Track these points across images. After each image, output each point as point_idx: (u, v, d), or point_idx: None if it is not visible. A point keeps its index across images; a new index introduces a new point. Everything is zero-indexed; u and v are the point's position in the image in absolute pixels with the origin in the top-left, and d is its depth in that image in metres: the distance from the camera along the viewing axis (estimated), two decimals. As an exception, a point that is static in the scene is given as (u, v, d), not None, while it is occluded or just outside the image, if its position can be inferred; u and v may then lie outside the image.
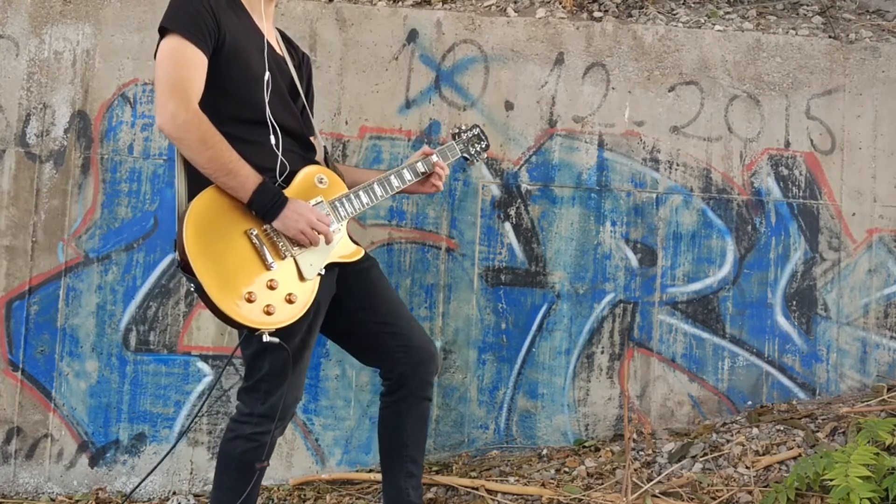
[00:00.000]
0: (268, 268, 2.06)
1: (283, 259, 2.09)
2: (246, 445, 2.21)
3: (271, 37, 2.30)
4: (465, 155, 2.59)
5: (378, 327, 2.33)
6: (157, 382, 3.26)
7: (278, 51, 2.30)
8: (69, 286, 3.25)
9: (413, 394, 2.36)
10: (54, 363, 3.24)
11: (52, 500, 3.17)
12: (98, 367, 3.25)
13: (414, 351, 2.34)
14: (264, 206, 2.06)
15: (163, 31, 2.08)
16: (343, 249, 2.24)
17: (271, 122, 2.18)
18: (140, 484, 2.81)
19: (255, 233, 2.07)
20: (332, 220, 2.19)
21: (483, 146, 2.63)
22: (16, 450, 3.21)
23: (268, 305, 2.02)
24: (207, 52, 2.07)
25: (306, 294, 2.11)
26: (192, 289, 2.02)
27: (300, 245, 2.12)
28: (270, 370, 2.17)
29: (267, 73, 2.18)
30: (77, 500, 3.16)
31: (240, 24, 2.18)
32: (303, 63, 2.44)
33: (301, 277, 2.11)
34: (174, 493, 3.22)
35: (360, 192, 2.30)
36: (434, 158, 2.45)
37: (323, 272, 2.15)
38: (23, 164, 3.27)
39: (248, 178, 2.04)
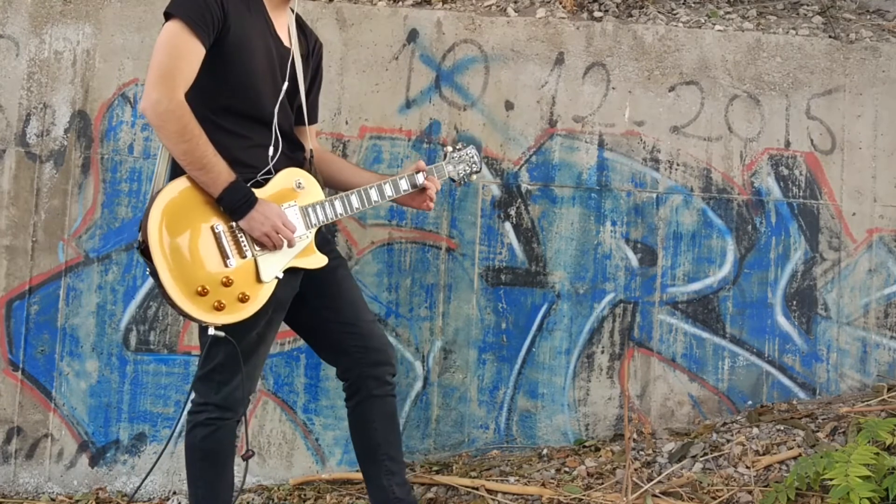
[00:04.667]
0: (226, 265, 2.07)
1: (243, 258, 2.10)
2: (204, 431, 2.22)
3: (283, 28, 2.29)
4: (453, 177, 2.53)
5: (339, 327, 2.34)
6: (157, 382, 3.26)
7: (286, 44, 2.29)
8: (69, 286, 3.25)
9: (373, 394, 2.35)
10: (54, 363, 3.24)
11: (53, 499, 3.17)
12: (98, 366, 3.25)
13: (372, 353, 2.34)
14: (233, 204, 2.07)
15: (167, 16, 2.08)
16: (307, 257, 2.23)
17: (275, 130, 2.21)
18: (140, 486, 2.81)
19: (220, 228, 2.08)
20: (300, 227, 2.19)
21: (474, 170, 2.56)
22: (16, 450, 3.21)
23: (218, 301, 2.04)
24: (207, 42, 2.07)
25: (260, 295, 2.11)
26: (148, 272, 2.04)
27: (263, 247, 2.13)
28: (223, 361, 2.17)
29: (286, 83, 2.21)
30: (77, 500, 3.16)
31: (251, 18, 2.18)
32: (312, 52, 2.42)
33: (258, 279, 2.12)
34: (174, 493, 3.22)
35: (336, 202, 2.29)
36: (420, 179, 2.41)
37: (281, 276, 2.16)
38: (23, 164, 3.27)
39: (220, 175, 2.05)
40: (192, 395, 2.27)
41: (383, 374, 2.37)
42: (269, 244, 2.12)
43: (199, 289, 2.02)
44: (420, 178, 2.41)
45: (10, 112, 3.28)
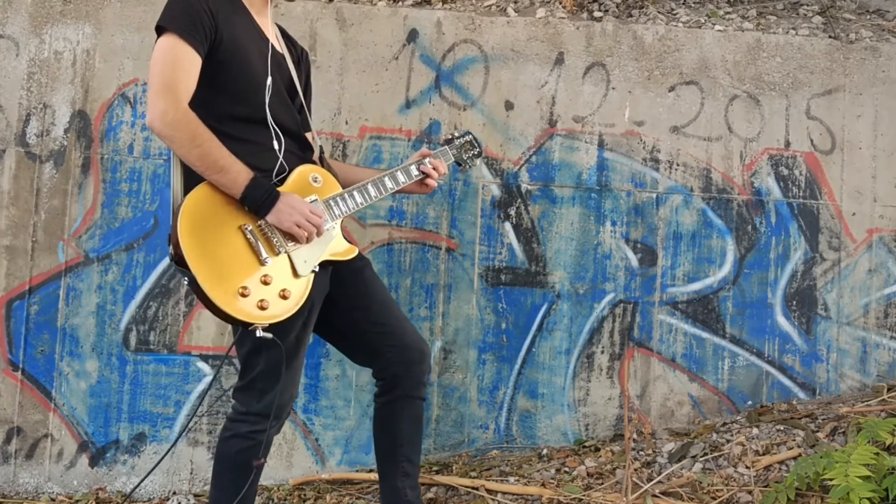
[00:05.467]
0: (262, 263, 2.06)
1: (277, 255, 2.09)
2: (242, 444, 2.21)
3: (271, 35, 2.30)
4: (458, 161, 2.60)
5: (371, 327, 2.34)
6: (157, 382, 3.26)
7: (278, 49, 2.30)
8: (69, 286, 3.25)
9: (407, 394, 2.36)
10: (54, 363, 3.24)
11: (52, 500, 3.17)
12: (98, 366, 3.25)
13: (407, 350, 2.35)
14: (257, 200, 2.06)
15: (159, 30, 2.09)
16: (337, 247, 2.24)
17: (272, 125, 2.19)
18: (139, 484, 2.81)
19: (249, 228, 2.07)
20: (326, 218, 2.19)
21: (476, 153, 2.64)
22: (16, 450, 3.21)
23: (262, 300, 2.03)
24: (202, 51, 2.08)
25: (300, 290, 2.11)
26: (186, 283, 2.03)
27: (294, 241, 2.12)
28: (265, 368, 2.17)
29: (269, 78, 2.20)
30: (77, 500, 3.16)
31: (239, 22, 2.19)
32: (301, 59, 2.45)
33: (295, 274, 2.11)
34: (174, 493, 3.22)
35: (355, 192, 2.31)
36: (428, 162, 2.46)
37: (317, 269, 2.16)
38: (23, 164, 3.27)
39: (239, 174, 2.05)
40: (233, 403, 2.27)
41: (420, 373, 2.37)
42: (299, 235, 2.10)
43: (241, 290, 2.01)
44: (427, 162, 2.46)
45: (10, 112, 3.28)
